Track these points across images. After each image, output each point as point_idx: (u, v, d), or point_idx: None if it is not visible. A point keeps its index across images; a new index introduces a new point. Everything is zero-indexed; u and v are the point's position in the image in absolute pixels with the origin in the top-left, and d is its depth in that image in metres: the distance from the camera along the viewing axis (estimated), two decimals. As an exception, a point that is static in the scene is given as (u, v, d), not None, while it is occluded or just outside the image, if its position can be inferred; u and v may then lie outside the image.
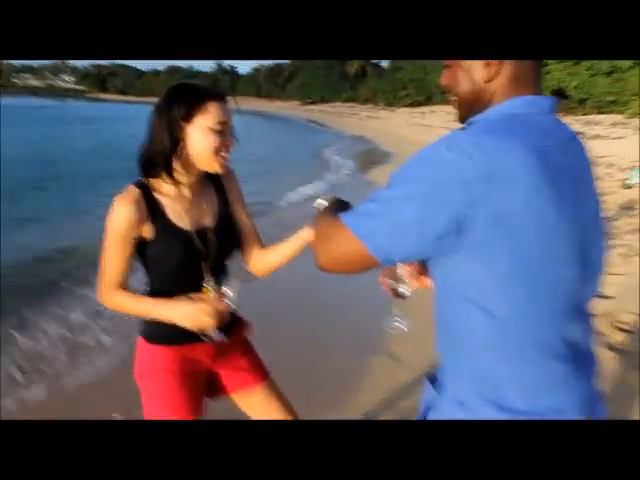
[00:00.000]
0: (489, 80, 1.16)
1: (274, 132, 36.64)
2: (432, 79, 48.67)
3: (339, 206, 1.46)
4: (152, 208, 1.72)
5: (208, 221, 1.83)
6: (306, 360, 3.99)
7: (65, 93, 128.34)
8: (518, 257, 1.00)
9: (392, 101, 53.35)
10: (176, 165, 1.72)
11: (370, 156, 20.99)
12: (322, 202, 1.55)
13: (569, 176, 1.05)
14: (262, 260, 1.97)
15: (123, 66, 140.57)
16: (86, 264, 5.77)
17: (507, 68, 1.14)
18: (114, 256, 1.70)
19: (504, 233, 0.98)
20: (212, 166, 1.74)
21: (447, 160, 1.01)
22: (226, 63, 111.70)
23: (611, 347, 3.86)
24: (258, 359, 2.02)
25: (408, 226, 1.03)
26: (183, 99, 1.68)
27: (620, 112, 18.98)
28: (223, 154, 1.73)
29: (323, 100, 74.76)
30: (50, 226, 8.67)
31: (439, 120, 32.84)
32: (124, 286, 1.75)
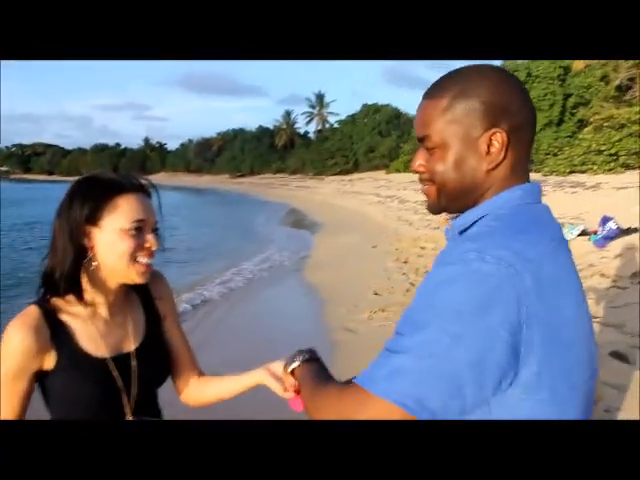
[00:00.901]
0: (492, 169, 1.02)
1: (205, 206, 36.44)
2: (358, 148, 50.28)
3: (316, 363, 1.30)
4: (57, 333, 1.35)
5: (130, 344, 1.46)
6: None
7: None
8: (565, 369, 0.92)
9: (321, 170, 54.43)
10: (85, 281, 1.38)
11: (300, 226, 21.11)
12: (294, 363, 1.33)
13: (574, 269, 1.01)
14: (198, 391, 1.62)
15: (48, 145, 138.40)
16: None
17: (511, 153, 1.02)
18: (4, 395, 1.31)
19: (558, 349, 0.90)
20: (130, 276, 1.39)
21: (490, 276, 0.86)
22: (154, 140, 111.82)
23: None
24: None
25: (462, 372, 0.86)
26: (85, 197, 1.35)
27: (538, 171, 19.94)
28: (143, 260, 1.38)
29: (252, 172, 75.65)
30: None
31: (367, 187, 33.59)
32: None
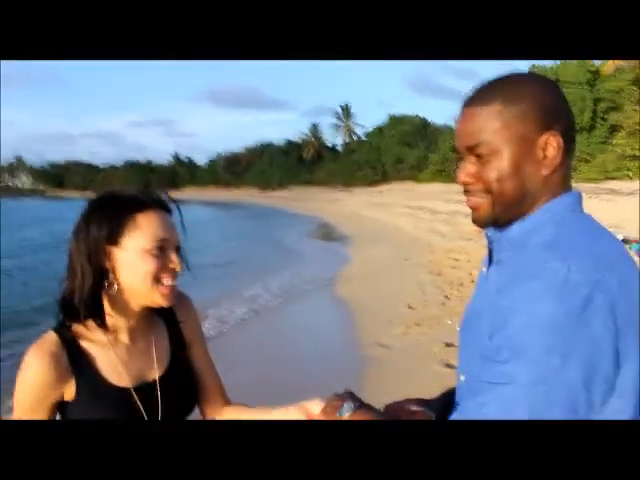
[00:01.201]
0: (550, 174, 0.99)
1: (235, 220, 36.69)
2: (386, 159, 50.22)
3: (369, 408, 1.17)
4: (76, 361, 1.28)
5: (154, 372, 1.38)
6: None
7: (21, 193, 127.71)
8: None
9: (349, 182, 54.44)
10: (106, 304, 1.31)
11: (330, 238, 21.09)
12: (346, 411, 1.19)
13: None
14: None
15: (81, 163, 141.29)
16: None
17: (565, 157, 1.00)
18: None
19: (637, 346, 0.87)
20: (153, 299, 1.31)
21: (579, 285, 0.83)
22: (183, 155, 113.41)
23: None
24: None
25: (576, 394, 0.83)
26: (106, 215, 1.28)
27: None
28: (167, 282, 1.31)
29: (281, 186, 76.07)
30: None
31: (396, 198, 33.46)
32: None
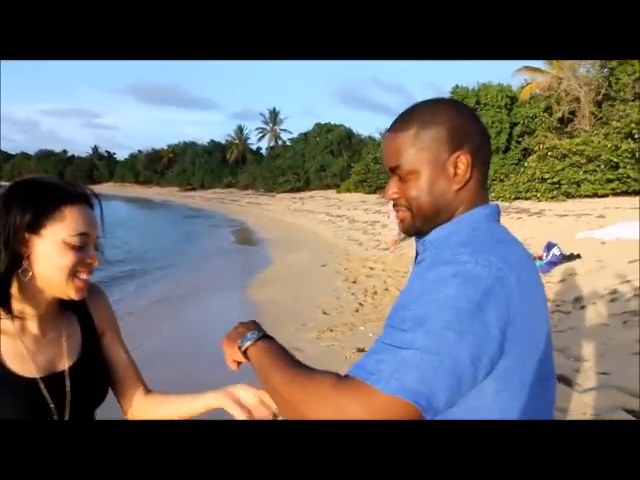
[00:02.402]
0: (460, 189, 1.11)
1: (153, 218, 35.78)
2: (310, 166, 50.52)
3: (274, 342, 1.18)
4: None
5: (64, 362, 1.34)
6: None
7: None
8: (534, 364, 0.99)
9: (272, 187, 54.37)
10: (16, 291, 1.26)
11: (249, 242, 20.98)
12: (247, 341, 1.19)
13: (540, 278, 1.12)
14: (146, 411, 1.50)
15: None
16: None
17: (475, 172, 1.11)
18: None
19: (530, 346, 0.98)
20: (66, 292, 1.28)
21: (483, 277, 0.93)
22: (103, 149, 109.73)
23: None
24: None
25: (464, 368, 0.90)
26: (30, 201, 1.24)
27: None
28: (82, 276, 1.29)
29: (203, 186, 74.95)
30: None
31: (317, 205, 33.72)
32: None
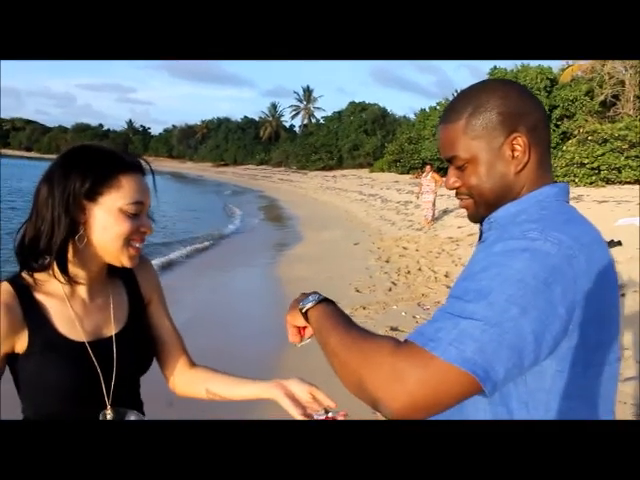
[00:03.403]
0: (520, 170, 1.09)
1: (188, 193, 36.11)
2: (343, 145, 50.28)
3: (334, 305, 1.16)
4: (30, 313, 1.25)
5: (111, 329, 1.36)
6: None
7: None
8: (600, 347, 0.99)
9: (304, 164, 54.32)
10: (71, 256, 1.28)
11: (281, 219, 21.05)
12: (308, 303, 1.18)
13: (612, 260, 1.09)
14: (189, 383, 1.50)
15: (28, 121, 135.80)
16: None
17: (534, 154, 1.09)
18: None
19: (598, 328, 0.97)
20: (120, 259, 1.30)
21: (552, 255, 0.92)
22: (138, 123, 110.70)
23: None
24: None
25: (525, 344, 0.89)
26: (89, 169, 1.25)
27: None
28: (136, 244, 1.31)
29: (236, 162, 75.23)
30: None
31: (350, 184, 33.60)
32: None
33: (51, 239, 1.23)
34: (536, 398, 0.97)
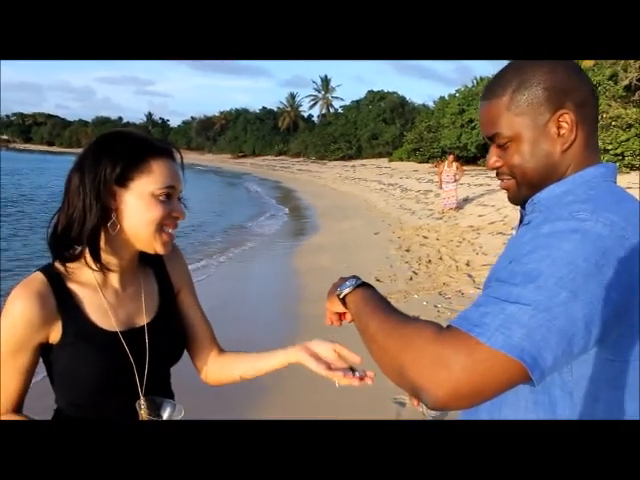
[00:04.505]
0: (567, 149, 1.04)
1: (207, 183, 36.35)
2: (362, 134, 50.07)
3: (372, 289, 1.13)
4: (64, 303, 1.24)
5: (142, 318, 1.35)
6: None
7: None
8: None
9: (323, 155, 54.20)
10: (103, 244, 1.26)
11: (300, 209, 21.08)
12: (346, 288, 1.16)
13: None
14: (220, 370, 1.49)
15: (49, 115, 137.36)
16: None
17: (581, 132, 1.04)
18: (5, 369, 1.21)
19: None
20: (153, 246, 1.28)
21: (603, 237, 0.87)
22: (157, 116, 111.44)
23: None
24: None
25: (575, 329, 0.84)
26: (119, 155, 1.23)
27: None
28: (169, 230, 1.29)
29: (254, 153, 75.35)
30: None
31: (369, 174, 33.47)
32: (17, 410, 1.26)
33: (83, 227, 1.23)
34: (582, 387, 0.92)
